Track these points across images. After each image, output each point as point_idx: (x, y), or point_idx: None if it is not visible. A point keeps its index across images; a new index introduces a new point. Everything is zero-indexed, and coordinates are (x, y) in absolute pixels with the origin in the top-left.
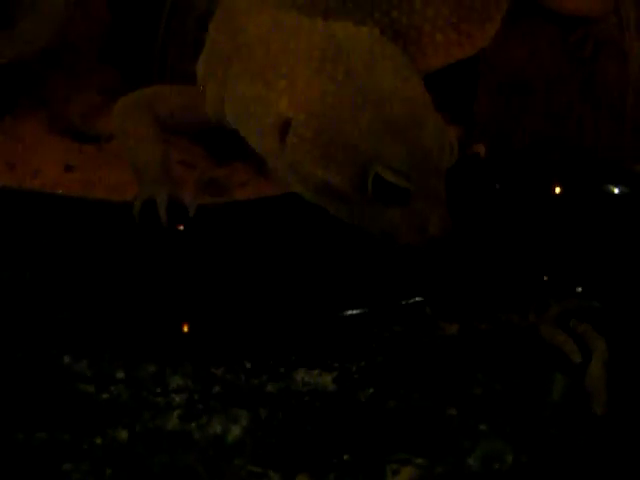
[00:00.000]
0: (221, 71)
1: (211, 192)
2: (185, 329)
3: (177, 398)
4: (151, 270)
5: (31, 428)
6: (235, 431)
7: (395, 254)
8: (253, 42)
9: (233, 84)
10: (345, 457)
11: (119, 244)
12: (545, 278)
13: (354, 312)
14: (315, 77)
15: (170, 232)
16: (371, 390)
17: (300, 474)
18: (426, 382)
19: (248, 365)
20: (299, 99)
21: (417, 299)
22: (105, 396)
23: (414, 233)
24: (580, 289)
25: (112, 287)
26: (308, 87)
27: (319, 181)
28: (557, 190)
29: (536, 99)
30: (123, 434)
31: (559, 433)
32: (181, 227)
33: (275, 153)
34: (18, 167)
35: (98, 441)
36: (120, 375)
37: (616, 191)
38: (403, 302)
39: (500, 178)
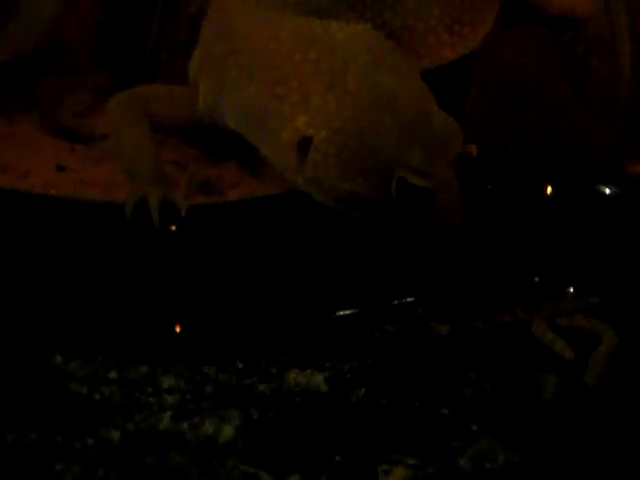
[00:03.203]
0: (215, 71)
1: (203, 192)
2: (177, 329)
3: (169, 398)
4: (143, 270)
5: (23, 429)
6: (227, 431)
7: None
8: (253, 47)
9: (234, 89)
10: (337, 458)
11: (111, 244)
12: (536, 278)
13: (346, 312)
14: (329, 91)
15: (162, 232)
16: (363, 390)
17: (292, 475)
18: (418, 382)
19: (240, 365)
20: (317, 117)
21: (409, 299)
22: (97, 396)
23: (435, 225)
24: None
25: (104, 287)
26: (324, 103)
27: (344, 192)
28: (549, 190)
29: (528, 99)
30: (115, 434)
31: (551, 433)
32: (173, 227)
33: (294, 167)
34: (9, 167)
35: (90, 441)
36: (112, 375)
37: (607, 192)
38: (395, 302)
39: (492, 178)
